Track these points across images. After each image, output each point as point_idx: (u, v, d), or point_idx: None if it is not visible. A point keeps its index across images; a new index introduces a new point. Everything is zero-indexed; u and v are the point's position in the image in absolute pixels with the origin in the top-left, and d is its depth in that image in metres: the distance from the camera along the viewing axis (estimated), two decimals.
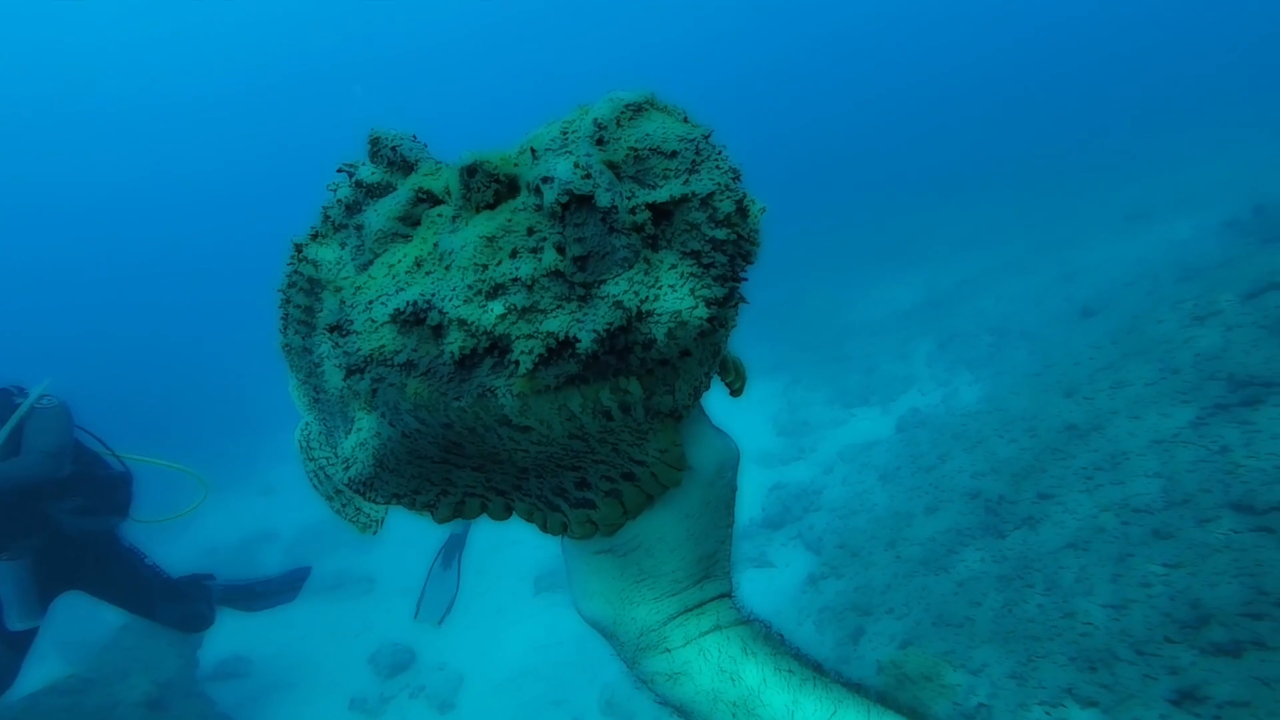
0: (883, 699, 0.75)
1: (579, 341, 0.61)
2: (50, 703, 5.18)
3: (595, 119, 0.65)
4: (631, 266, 0.62)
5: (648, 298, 0.62)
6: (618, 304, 0.61)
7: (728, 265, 0.65)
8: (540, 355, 0.61)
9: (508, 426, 0.70)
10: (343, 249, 0.82)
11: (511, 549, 7.26)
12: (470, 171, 0.65)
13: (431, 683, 5.97)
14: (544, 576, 6.83)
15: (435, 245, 0.67)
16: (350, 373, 0.71)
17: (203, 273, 33.85)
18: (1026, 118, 23.61)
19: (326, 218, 0.87)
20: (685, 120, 0.70)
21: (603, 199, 0.60)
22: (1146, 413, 4.46)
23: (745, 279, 0.68)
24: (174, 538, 8.64)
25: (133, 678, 5.54)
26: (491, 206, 0.65)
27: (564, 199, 0.59)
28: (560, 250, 0.61)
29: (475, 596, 6.62)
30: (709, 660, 0.78)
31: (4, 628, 4.07)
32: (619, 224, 0.61)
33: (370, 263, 0.73)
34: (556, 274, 0.61)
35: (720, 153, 0.67)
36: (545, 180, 0.61)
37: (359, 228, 0.76)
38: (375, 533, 1.17)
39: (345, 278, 0.75)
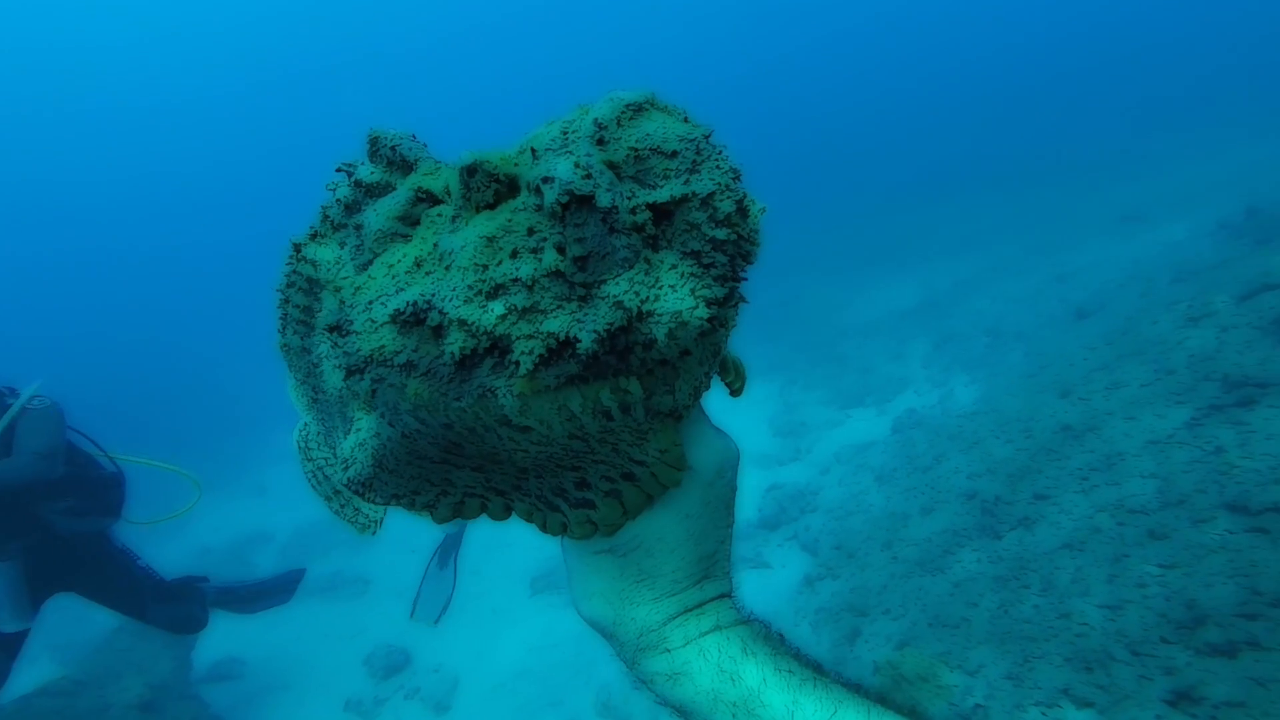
0: (882, 699, 0.75)
1: (579, 342, 0.61)
2: (41, 705, 5.15)
3: (596, 119, 0.65)
4: (632, 267, 0.62)
5: (648, 298, 0.62)
6: (618, 304, 0.61)
7: (728, 265, 0.65)
8: (541, 355, 0.61)
9: (508, 427, 0.70)
10: (342, 249, 0.82)
11: (507, 550, 7.25)
12: (470, 171, 0.65)
13: (427, 684, 5.96)
14: (540, 578, 6.82)
15: (435, 245, 0.67)
16: (350, 373, 0.71)
17: (195, 273, 33.78)
18: (1021, 119, 23.68)
19: (325, 217, 0.86)
20: (685, 120, 0.70)
21: (603, 199, 0.60)
22: (1141, 413, 4.48)
23: (745, 279, 0.68)
24: (167, 539, 8.61)
25: (125, 680, 5.51)
26: (491, 206, 0.65)
27: (564, 199, 0.59)
28: (561, 250, 0.61)
29: (471, 598, 6.61)
30: (709, 660, 0.78)
31: None
32: (619, 224, 0.61)
33: (370, 263, 0.73)
34: (557, 274, 0.61)
35: (720, 152, 0.67)
36: (546, 180, 0.60)
37: (358, 227, 0.76)
38: (374, 533, 1.17)
39: (345, 278, 0.75)
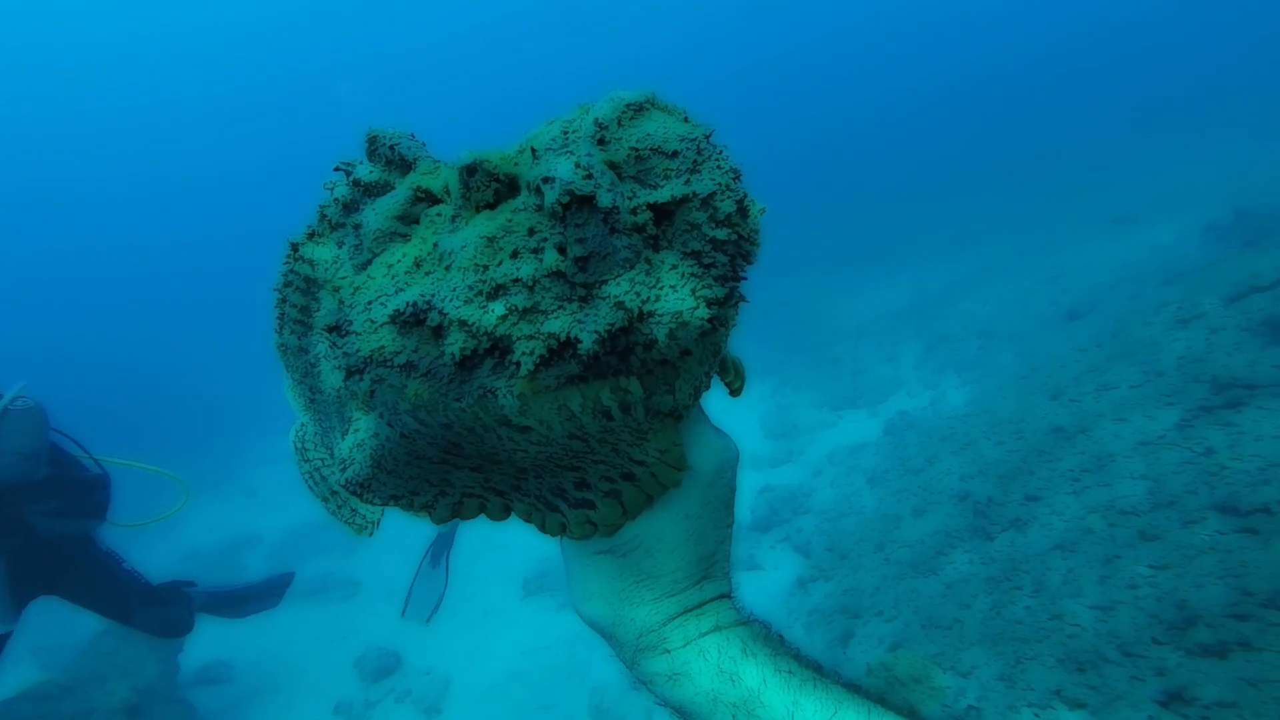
0: (882, 700, 0.75)
1: (580, 342, 0.61)
2: (24, 710, 5.09)
3: (596, 119, 0.65)
4: (633, 267, 0.62)
5: (649, 298, 0.61)
6: (619, 304, 0.61)
7: (728, 265, 0.65)
8: (541, 356, 0.61)
9: (507, 427, 0.69)
10: (340, 248, 0.82)
11: (500, 552, 7.23)
12: (470, 170, 0.65)
13: (418, 687, 5.92)
14: (532, 580, 6.80)
15: (435, 245, 0.67)
16: (350, 374, 0.70)
17: (185, 275, 33.57)
18: (1012, 122, 23.86)
19: (323, 217, 0.86)
20: (686, 120, 0.70)
21: (604, 199, 0.60)
22: (1132, 415, 4.51)
23: (745, 278, 0.68)
24: (154, 542, 8.53)
25: (110, 683, 5.45)
26: (491, 206, 0.65)
27: (565, 199, 0.59)
28: (561, 251, 0.61)
29: (463, 600, 6.58)
30: (709, 661, 0.78)
31: None
32: (620, 224, 0.61)
33: (369, 262, 0.72)
34: (558, 274, 0.61)
35: (721, 152, 0.67)
36: (546, 180, 0.60)
37: (357, 227, 0.75)
38: (371, 534, 1.16)
39: (343, 277, 0.74)
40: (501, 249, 0.62)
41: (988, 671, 3.59)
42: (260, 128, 43.35)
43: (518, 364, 0.61)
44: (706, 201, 0.63)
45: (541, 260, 0.61)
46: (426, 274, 0.65)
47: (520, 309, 0.61)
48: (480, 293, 0.61)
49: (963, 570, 4.39)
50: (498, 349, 0.62)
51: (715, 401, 0.90)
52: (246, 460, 12.06)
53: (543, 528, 0.82)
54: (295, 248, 0.88)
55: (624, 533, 0.80)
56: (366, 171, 0.80)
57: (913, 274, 11.67)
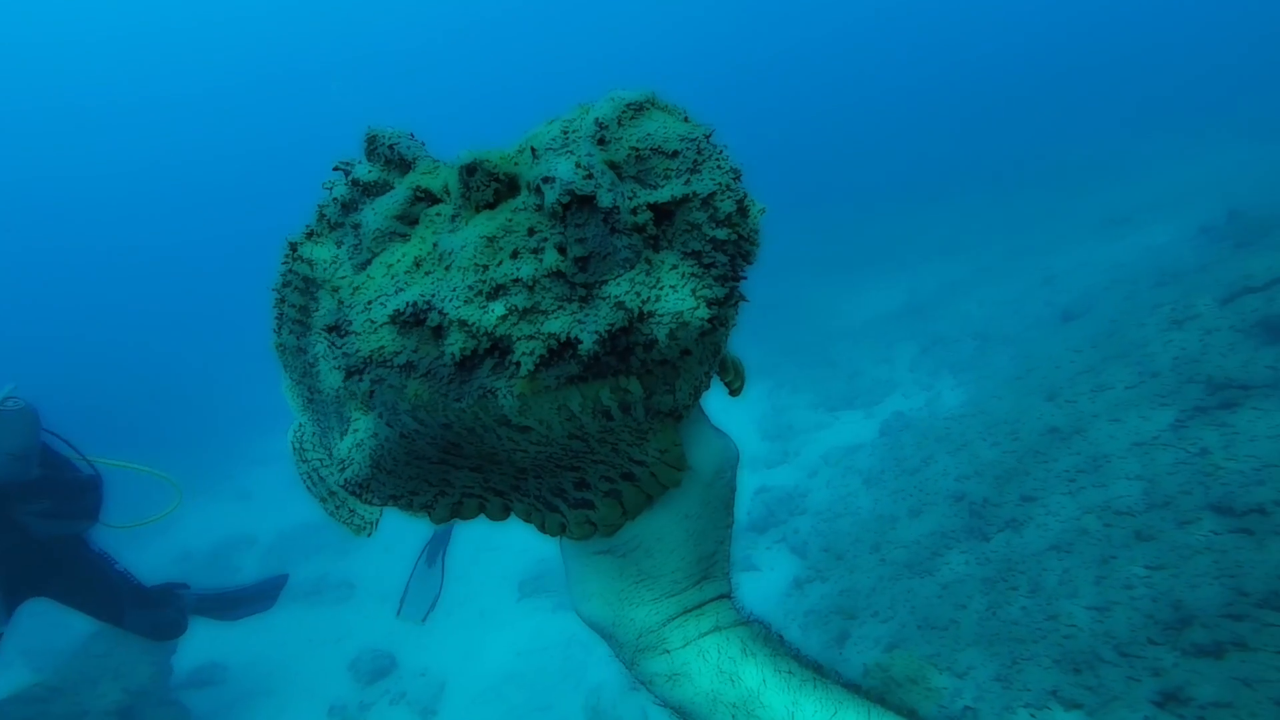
0: (882, 700, 0.75)
1: (580, 343, 0.61)
2: (14, 712, 5.07)
3: (596, 118, 0.65)
4: (633, 267, 0.62)
5: (649, 298, 0.61)
6: (619, 305, 0.61)
7: (728, 265, 0.65)
8: (541, 356, 0.61)
9: (507, 427, 0.69)
10: (339, 248, 0.81)
11: (496, 553, 7.22)
12: (470, 170, 0.65)
13: (413, 689, 5.91)
14: (528, 581, 6.79)
15: (434, 245, 0.67)
16: (349, 374, 0.70)
17: (180, 275, 33.40)
18: (1007, 124, 23.94)
19: (322, 216, 0.86)
20: (686, 120, 0.70)
21: (604, 199, 0.60)
22: (1127, 415, 4.52)
23: (745, 278, 0.68)
24: (147, 543, 8.48)
25: (102, 686, 5.42)
26: (491, 206, 0.65)
27: (565, 199, 0.59)
28: (561, 251, 0.61)
29: (458, 601, 6.57)
30: (708, 661, 0.78)
31: None
32: (620, 224, 0.61)
33: (368, 262, 0.72)
34: (558, 275, 0.61)
35: (721, 152, 0.67)
36: (546, 180, 0.60)
37: (356, 227, 0.75)
38: (369, 534, 1.16)
39: (342, 277, 0.74)
40: (501, 249, 0.61)
41: (984, 672, 3.59)
42: (258, 127, 43.21)
43: (518, 364, 0.61)
44: (707, 201, 0.63)
45: (541, 260, 0.61)
46: (426, 274, 0.65)
47: (520, 309, 0.60)
48: (480, 293, 0.61)
49: (959, 571, 4.40)
50: (498, 349, 0.62)
51: (712, 402, 0.90)
52: (240, 462, 12.01)
53: (542, 528, 0.82)
54: (294, 247, 0.88)
55: (624, 533, 0.80)
56: (365, 171, 0.80)
57: (909, 275, 11.71)
